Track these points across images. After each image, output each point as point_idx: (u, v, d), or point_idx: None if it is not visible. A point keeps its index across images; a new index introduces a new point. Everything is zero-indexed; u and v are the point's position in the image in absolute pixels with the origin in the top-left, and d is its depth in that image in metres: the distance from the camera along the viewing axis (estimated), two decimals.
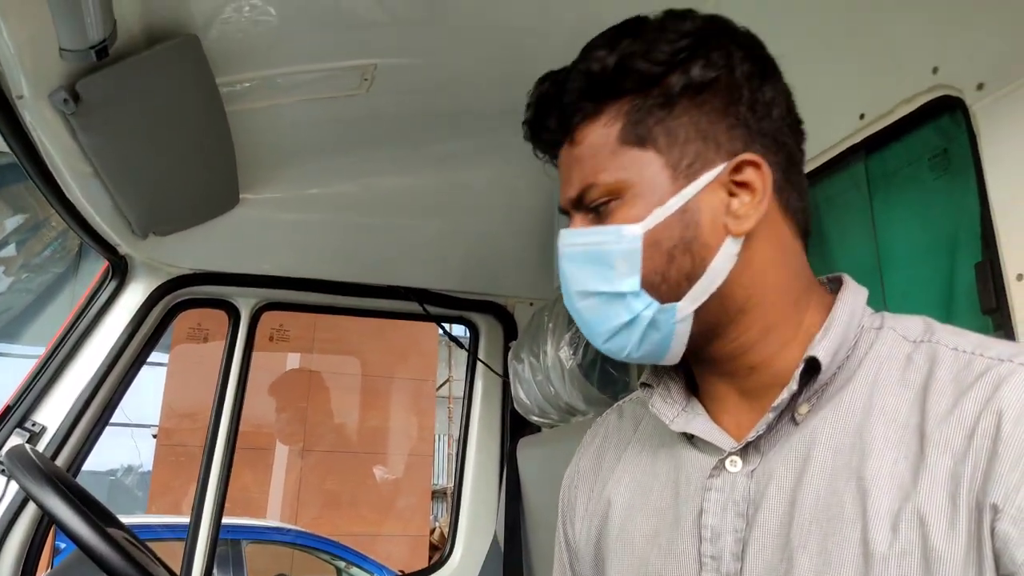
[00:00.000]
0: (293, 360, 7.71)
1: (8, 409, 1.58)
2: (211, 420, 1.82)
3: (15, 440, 1.54)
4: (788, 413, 0.69)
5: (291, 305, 1.93)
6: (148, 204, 1.53)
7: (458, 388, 10.18)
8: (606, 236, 0.71)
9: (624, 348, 0.72)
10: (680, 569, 0.70)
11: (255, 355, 1.87)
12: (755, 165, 0.70)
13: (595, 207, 0.72)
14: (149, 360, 1.81)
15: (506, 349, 1.95)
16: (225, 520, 1.83)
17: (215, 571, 1.82)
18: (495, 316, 2.06)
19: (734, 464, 0.70)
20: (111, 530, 1.09)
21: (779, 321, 0.71)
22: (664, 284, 0.70)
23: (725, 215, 0.70)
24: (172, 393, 7.42)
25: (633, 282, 0.70)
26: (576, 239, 0.73)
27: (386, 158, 1.73)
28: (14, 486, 1.52)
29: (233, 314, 1.85)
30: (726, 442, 0.71)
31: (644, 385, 0.80)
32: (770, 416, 0.68)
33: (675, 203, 0.69)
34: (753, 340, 0.71)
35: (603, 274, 0.71)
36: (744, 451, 0.70)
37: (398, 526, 7.93)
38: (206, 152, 1.46)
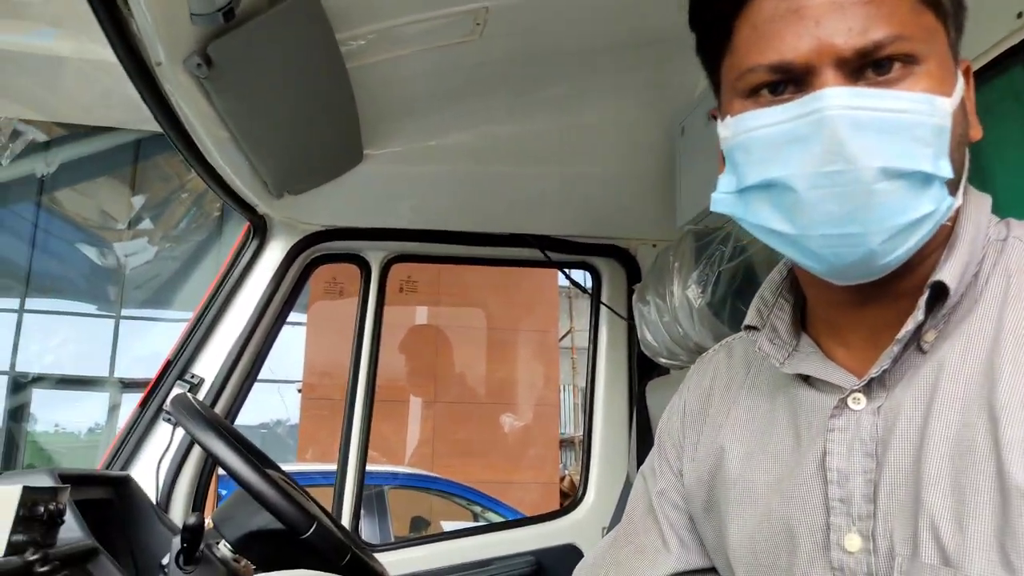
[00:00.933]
0: (421, 316, 7.95)
1: (169, 363, 1.72)
2: (351, 368, 1.90)
3: (177, 391, 1.67)
4: (914, 342, 0.64)
5: (417, 257, 1.98)
6: (280, 164, 1.60)
7: (581, 339, 10.22)
8: (916, 104, 0.58)
9: (893, 253, 0.60)
10: (806, 515, 0.67)
11: (387, 311, 1.94)
12: (969, 71, 0.65)
13: (881, 66, 0.59)
14: (291, 320, 1.91)
15: (630, 292, 1.93)
16: (369, 467, 1.92)
17: (362, 512, 1.92)
18: (617, 259, 2.03)
19: (857, 402, 0.65)
20: (268, 471, 1.16)
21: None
22: (956, 176, 0.61)
23: (970, 115, 0.65)
24: (313, 350, 7.84)
25: (947, 166, 0.59)
26: (872, 101, 0.58)
27: (501, 105, 1.73)
28: (179, 433, 1.66)
29: (364, 267, 1.92)
30: (846, 380, 0.67)
31: (748, 328, 0.75)
32: (895, 349, 0.63)
33: (960, 87, 0.62)
34: (919, 259, 0.64)
35: (915, 151, 0.58)
36: (867, 387, 0.65)
37: (529, 474, 8.11)
38: (330, 110, 1.51)
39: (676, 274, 1.61)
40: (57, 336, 8.65)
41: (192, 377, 1.69)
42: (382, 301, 1.92)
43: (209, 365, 1.71)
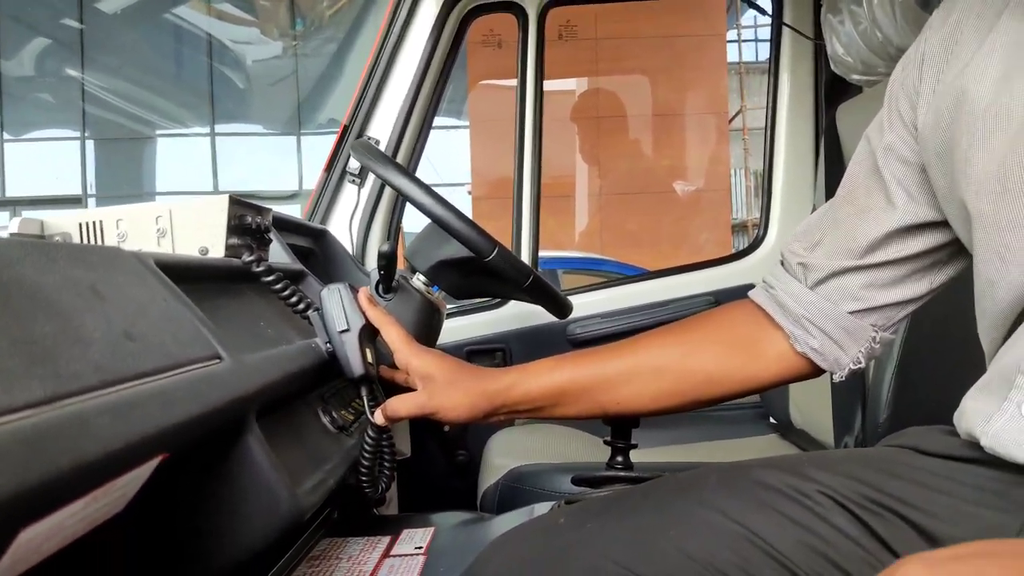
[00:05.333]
0: (583, 105, 7.74)
1: (346, 128, 1.78)
2: (516, 125, 1.87)
3: None
4: None
5: None
6: None
7: (753, 119, 9.60)
8: None
9: None
10: None
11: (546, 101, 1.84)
12: None
13: None
14: (456, 124, 1.88)
15: (816, 8, 1.71)
16: (544, 253, 1.92)
17: None
18: None
19: None
20: None
21: None
22: None
23: None
24: (478, 153, 7.95)
25: None
26: None
27: None
28: (364, 193, 1.74)
29: (521, 16, 1.83)
30: None
31: None
32: None
33: None
34: None
35: None
36: None
37: (700, 260, 8.05)
38: None
39: None
40: (251, 157, 9.33)
41: (368, 139, 1.74)
42: (542, 50, 1.84)
43: (383, 126, 1.75)
